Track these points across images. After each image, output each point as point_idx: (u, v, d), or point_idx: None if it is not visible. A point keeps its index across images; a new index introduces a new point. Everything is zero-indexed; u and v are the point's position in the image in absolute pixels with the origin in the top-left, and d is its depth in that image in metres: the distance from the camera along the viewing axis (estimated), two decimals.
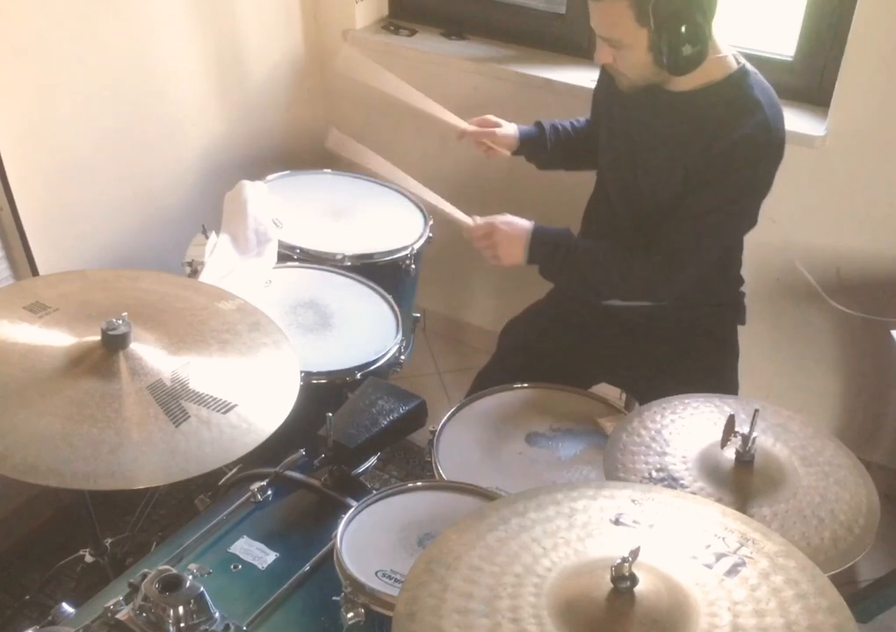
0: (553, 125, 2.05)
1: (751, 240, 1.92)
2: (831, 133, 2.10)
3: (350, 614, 1.34)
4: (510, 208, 2.02)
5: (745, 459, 1.37)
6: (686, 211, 1.71)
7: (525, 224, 1.83)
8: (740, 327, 2.00)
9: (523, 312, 2.15)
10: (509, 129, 2.06)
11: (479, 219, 1.87)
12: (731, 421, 1.39)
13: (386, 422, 1.68)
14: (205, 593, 1.30)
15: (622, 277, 1.80)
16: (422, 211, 2.30)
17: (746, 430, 1.36)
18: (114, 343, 1.45)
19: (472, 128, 2.07)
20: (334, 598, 1.38)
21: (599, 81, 1.96)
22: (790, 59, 2.20)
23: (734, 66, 1.68)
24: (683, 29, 1.56)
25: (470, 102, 2.56)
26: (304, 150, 2.78)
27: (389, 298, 2.06)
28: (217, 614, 1.31)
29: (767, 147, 1.66)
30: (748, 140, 1.63)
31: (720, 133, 1.65)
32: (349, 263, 2.11)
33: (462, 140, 2.08)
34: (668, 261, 1.74)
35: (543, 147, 2.04)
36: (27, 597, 2.09)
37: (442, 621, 1.00)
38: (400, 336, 1.97)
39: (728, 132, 1.64)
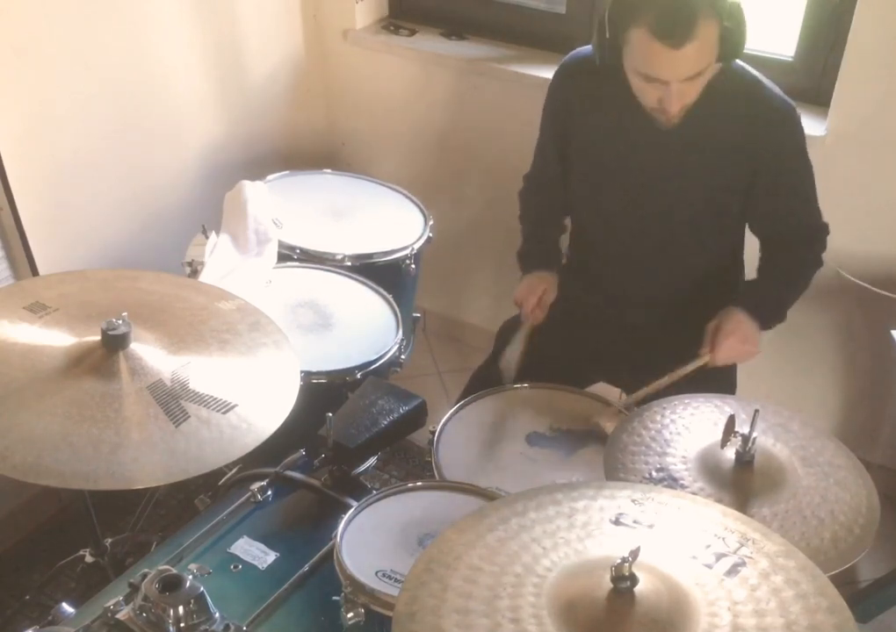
0: (556, 253, 2.04)
1: (752, 240, 1.92)
2: (831, 133, 2.10)
3: (350, 614, 1.34)
4: (504, 202, 2.02)
5: (745, 459, 1.38)
6: (785, 194, 1.79)
7: (740, 316, 1.79)
8: None
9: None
10: (552, 284, 1.98)
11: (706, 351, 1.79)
12: (731, 421, 1.39)
13: (386, 422, 1.68)
14: (205, 593, 1.30)
15: (805, 284, 1.88)
16: (422, 211, 2.30)
17: (746, 430, 1.36)
18: (114, 343, 1.45)
19: (536, 316, 1.96)
20: (334, 598, 1.38)
21: (552, 123, 1.94)
22: (790, 59, 2.20)
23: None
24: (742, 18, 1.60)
25: (470, 102, 2.57)
26: (304, 150, 2.78)
27: (389, 297, 2.06)
28: (217, 614, 1.31)
29: (792, 106, 1.74)
30: (780, 107, 1.72)
31: (753, 116, 1.71)
32: (349, 263, 2.11)
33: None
34: (812, 241, 1.85)
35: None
36: (27, 597, 2.09)
37: (442, 621, 1.00)
38: (400, 336, 1.97)
39: (760, 110, 1.71)
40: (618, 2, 1.62)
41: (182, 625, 1.28)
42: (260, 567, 1.49)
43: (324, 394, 1.81)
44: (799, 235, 1.85)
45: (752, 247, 1.96)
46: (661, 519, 1.15)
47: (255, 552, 1.51)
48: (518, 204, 2.08)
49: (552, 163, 1.99)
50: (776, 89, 1.74)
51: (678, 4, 1.55)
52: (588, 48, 1.85)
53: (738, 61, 1.73)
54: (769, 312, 1.83)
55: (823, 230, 1.86)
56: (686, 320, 1.94)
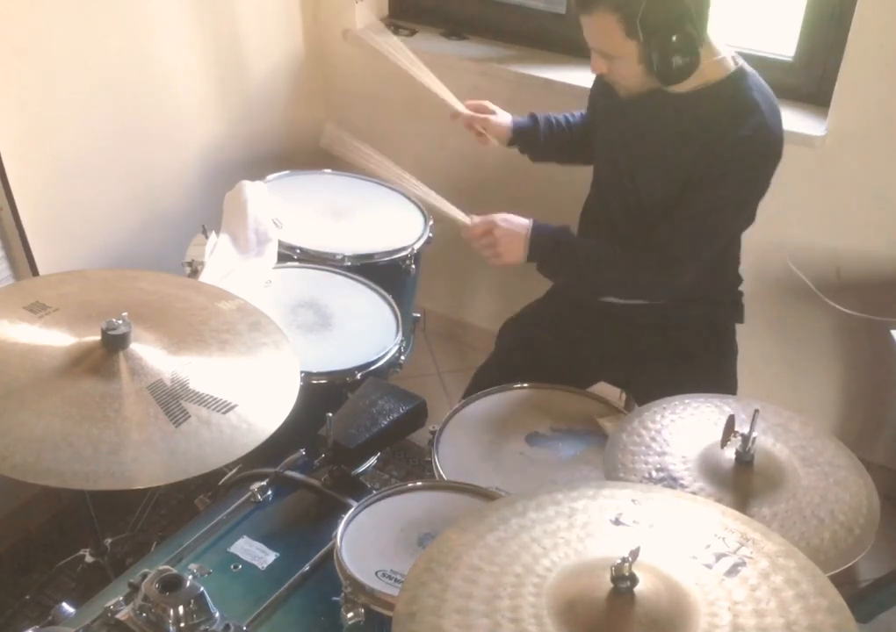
0: (548, 118, 2.06)
1: (750, 240, 1.92)
2: (831, 133, 2.10)
3: (350, 614, 1.34)
4: (508, 206, 2.02)
5: (745, 459, 1.37)
6: (685, 211, 1.72)
7: (524, 221, 1.81)
8: (741, 328, 2.00)
9: (521, 311, 2.15)
10: (504, 118, 2.06)
11: (476, 218, 1.85)
12: (731, 421, 1.39)
13: (386, 422, 1.68)
14: (205, 593, 1.30)
15: (622, 277, 1.82)
16: (422, 211, 2.30)
17: (746, 430, 1.36)
18: (114, 343, 1.45)
19: (466, 112, 2.06)
20: (334, 598, 1.38)
21: (595, 85, 1.96)
22: (790, 59, 2.20)
23: (732, 67, 1.69)
24: (673, 39, 1.58)
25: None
26: (304, 150, 2.77)
27: (389, 297, 2.06)
28: (217, 614, 1.31)
29: (766, 148, 1.67)
30: (748, 141, 1.64)
31: (720, 134, 1.65)
32: (349, 263, 2.11)
33: (455, 121, 2.09)
34: (668, 261, 1.75)
35: (536, 139, 2.05)
36: (27, 597, 2.09)
37: (442, 621, 1.00)
38: (400, 336, 1.97)
39: (727, 132, 1.65)
40: None
41: (182, 625, 1.28)
42: (260, 567, 1.49)
43: (324, 394, 1.81)
44: (661, 246, 1.75)
45: (750, 247, 1.96)
46: (661, 519, 1.15)
47: (255, 552, 1.51)
48: None
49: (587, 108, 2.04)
50: (772, 119, 1.66)
51: None
52: None
53: (756, 77, 1.70)
54: (556, 254, 1.78)
55: (687, 273, 1.76)
56: (683, 317, 1.95)
